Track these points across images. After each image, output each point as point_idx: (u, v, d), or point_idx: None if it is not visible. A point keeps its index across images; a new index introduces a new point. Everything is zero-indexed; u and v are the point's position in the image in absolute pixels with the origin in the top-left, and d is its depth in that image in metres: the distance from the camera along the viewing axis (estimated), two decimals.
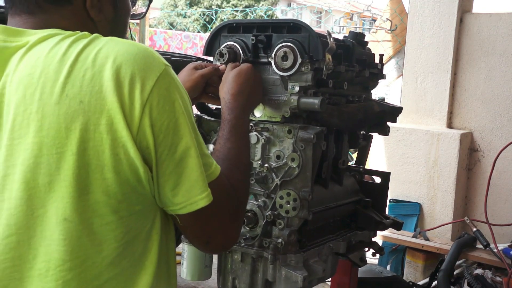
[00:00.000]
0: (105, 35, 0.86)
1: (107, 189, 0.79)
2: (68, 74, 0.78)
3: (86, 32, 0.84)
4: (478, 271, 2.66)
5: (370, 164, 3.48)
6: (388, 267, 3.18)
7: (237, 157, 1.06)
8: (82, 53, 0.79)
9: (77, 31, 0.84)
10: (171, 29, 12.23)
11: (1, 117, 0.80)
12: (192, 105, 1.40)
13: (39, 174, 0.78)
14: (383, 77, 1.69)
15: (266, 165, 1.37)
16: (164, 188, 0.84)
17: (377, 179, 1.77)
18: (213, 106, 1.55)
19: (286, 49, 1.34)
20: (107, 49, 0.80)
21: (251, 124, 1.38)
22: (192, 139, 0.84)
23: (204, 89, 1.35)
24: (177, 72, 1.44)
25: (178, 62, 2.63)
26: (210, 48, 1.49)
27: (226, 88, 1.23)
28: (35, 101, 0.78)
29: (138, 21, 4.92)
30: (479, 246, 2.86)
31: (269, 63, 1.37)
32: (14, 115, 0.78)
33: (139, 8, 1.22)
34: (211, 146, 1.44)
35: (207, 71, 1.33)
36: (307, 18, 17.56)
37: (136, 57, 0.80)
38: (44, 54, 0.80)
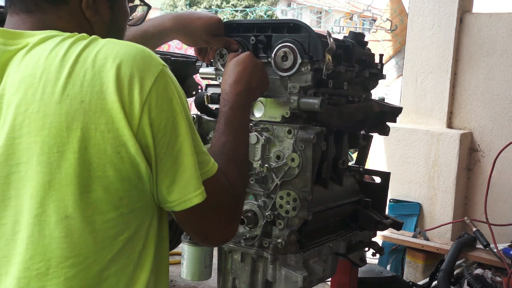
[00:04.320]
0: (101, 36, 0.87)
1: (108, 187, 0.80)
2: (69, 74, 0.79)
3: (84, 34, 0.85)
4: (478, 271, 2.66)
5: (370, 164, 3.48)
6: (388, 267, 3.18)
7: (232, 151, 1.06)
8: (82, 54, 0.80)
9: (76, 33, 0.86)
10: None
11: (1, 117, 0.81)
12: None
13: (40, 173, 0.79)
14: (383, 77, 1.69)
15: (266, 165, 1.37)
16: (161, 186, 0.85)
17: (377, 179, 1.78)
18: (213, 106, 1.55)
19: (286, 49, 1.34)
20: (106, 50, 0.81)
21: (251, 124, 1.38)
22: (188, 137, 0.85)
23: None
24: (176, 72, 1.45)
25: (178, 62, 2.64)
26: None
27: (225, 78, 1.22)
28: (36, 101, 0.79)
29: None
30: (479, 246, 2.86)
31: (269, 63, 1.37)
32: (15, 115, 0.79)
33: (138, 14, 1.22)
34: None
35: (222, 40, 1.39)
36: (307, 18, 17.56)
37: (135, 58, 0.81)
38: (45, 55, 0.81)
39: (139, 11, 1.22)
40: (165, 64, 0.85)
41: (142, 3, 1.13)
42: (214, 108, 1.56)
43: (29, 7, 0.89)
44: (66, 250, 0.80)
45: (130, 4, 1.05)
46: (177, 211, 0.88)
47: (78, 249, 0.81)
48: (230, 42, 1.40)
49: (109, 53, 0.81)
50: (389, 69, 5.31)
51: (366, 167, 1.79)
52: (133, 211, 0.85)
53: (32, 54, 0.82)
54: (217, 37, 1.38)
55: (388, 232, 3.00)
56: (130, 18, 1.07)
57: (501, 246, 2.79)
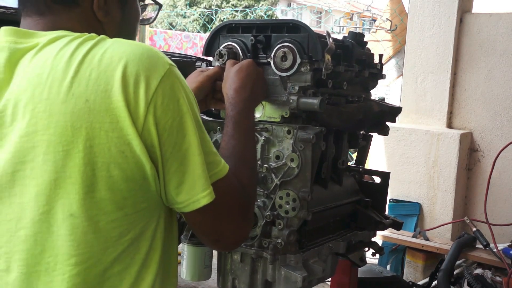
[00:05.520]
0: (112, 37, 0.88)
1: (113, 186, 0.81)
2: (75, 73, 0.80)
3: (93, 34, 0.86)
4: (478, 271, 2.66)
5: (370, 164, 3.48)
6: (388, 267, 3.18)
7: (242, 154, 1.07)
8: (88, 54, 0.81)
9: (85, 33, 0.87)
10: (171, 29, 12.23)
11: (9, 115, 0.82)
12: (200, 110, 1.41)
13: (46, 171, 0.80)
14: (382, 77, 1.69)
15: (266, 165, 1.37)
16: (169, 186, 0.85)
17: (377, 179, 1.77)
18: None
19: (285, 49, 1.34)
20: (112, 50, 0.82)
21: None
22: (196, 137, 0.85)
23: (213, 94, 1.36)
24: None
25: (178, 62, 2.64)
26: (209, 48, 1.49)
27: (228, 84, 1.24)
28: (43, 100, 0.80)
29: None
30: (479, 246, 2.86)
31: (268, 63, 1.37)
32: (23, 114, 0.81)
33: (148, 13, 1.23)
34: None
35: (212, 71, 1.35)
36: (307, 18, 17.56)
37: (141, 57, 0.82)
38: (53, 55, 0.82)
39: (149, 11, 1.22)
40: (172, 64, 0.85)
41: (153, 2, 1.14)
42: (213, 109, 1.56)
43: (41, 10, 0.91)
44: (70, 248, 0.81)
45: (141, 4, 1.06)
46: (186, 212, 0.88)
47: (82, 248, 0.82)
48: (219, 72, 1.36)
49: (115, 52, 0.82)
50: (389, 69, 5.32)
51: (366, 167, 1.79)
52: (138, 211, 0.85)
53: (41, 54, 0.84)
54: (215, 96, 1.36)
55: (388, 232, 3.00)
56: (141, 17, 1.08)
57: (501, 246, 2.79)
